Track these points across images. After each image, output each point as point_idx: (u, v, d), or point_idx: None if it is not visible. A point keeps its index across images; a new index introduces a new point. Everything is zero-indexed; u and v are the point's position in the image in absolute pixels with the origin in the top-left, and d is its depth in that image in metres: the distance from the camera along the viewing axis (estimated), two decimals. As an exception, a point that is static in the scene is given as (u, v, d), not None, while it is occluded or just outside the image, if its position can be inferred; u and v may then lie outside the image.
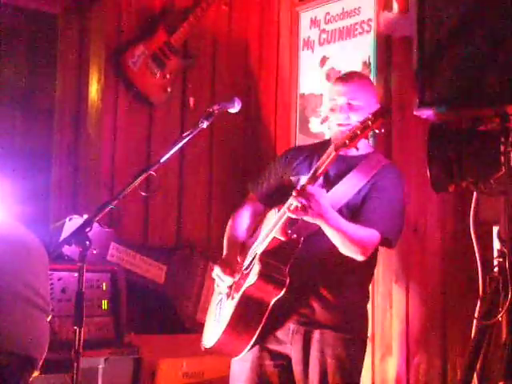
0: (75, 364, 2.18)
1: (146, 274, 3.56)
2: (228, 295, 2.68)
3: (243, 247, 2.77)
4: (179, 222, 3.99)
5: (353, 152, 2.53)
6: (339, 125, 2.67)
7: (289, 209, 2.44)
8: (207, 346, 2.67)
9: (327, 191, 2.59)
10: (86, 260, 2.25)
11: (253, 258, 2.59)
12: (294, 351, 2.63)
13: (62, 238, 3.16)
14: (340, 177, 2.65)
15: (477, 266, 2.69)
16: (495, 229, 2.58)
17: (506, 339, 2.29)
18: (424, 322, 3.30)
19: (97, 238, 3.00)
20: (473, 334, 2.42)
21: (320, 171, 2.42)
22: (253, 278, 2.51)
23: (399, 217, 2.67)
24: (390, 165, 2.76)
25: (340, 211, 2.57)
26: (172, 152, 2.54)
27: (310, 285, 2.60)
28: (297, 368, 2.62)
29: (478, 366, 2.35)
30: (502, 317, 2.29)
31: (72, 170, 3.97)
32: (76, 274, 2.25)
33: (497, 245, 2.47)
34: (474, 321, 2.47)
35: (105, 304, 3.23)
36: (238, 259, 2.74)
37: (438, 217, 3.29)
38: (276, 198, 2.79)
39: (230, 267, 2.70)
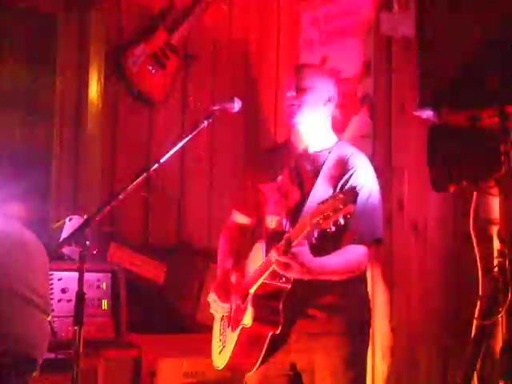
0: (75, 364, 2.18)
1: (146, 274, 3.56)
2: (228, 322, 2.71)
3: (236, 269, 2.78)
4: (179, 221, 3.99)
5: (315, 147, 2.67)
6: (288, 103, 2.67)
7: (275, 262, 2.45)
8: (220, 367, 2.73)
9: (301, 195, 2.59)
10: (86, 260, 2.25)
11: (247, 292, 2.59)
12: (298, 359, 2.63)
13: (61, 238, 3.16)
14: (312, 177, 2.64)
15: (477, 266, 2.69)
16: (495, 229, 2.58)
17: (506, 339, 2.29)
18: (424, 322, 3.30)
19: (97, 238, 3.00)
20: (473, 334, 2.42)
21: (295, 243, 2.39)
22: (248, 321, 2.53)
23: (380, 210, 2.63)
24: (356, 155, 2.69)
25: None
26: (172, 152, 2.54)
27: (309, 295, 2.60)
28: (305, 376, 2.63)
29: (478, 366, 2.35)
30: (501, 317, 2.29)
31: (72, 170, 3.97)
32: (76, 274, 2.25)
33: (497, 245, 2.47)
34: (474, 321, 2.46)
35: (105, 304, 3.23)
36: (233, 279, 2.75)
37: (438, 217, 3.29)
38: (253, 206, 2.83)
39: (225, 294, 2.72)
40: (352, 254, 2.54)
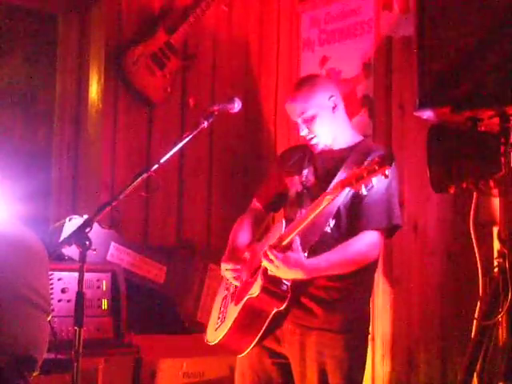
0: (75, 364, 2.18)
1: (146, 274, 3.55)
2: (232, 297, 2.71)
3: (250, 248, 2.78)
4: (179, 222, 3.99)
5: (341, 145, 2.70)
6: (308, 140, 2.75)
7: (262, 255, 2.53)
8: (211, 343, 2.71)
9: (319, 189, 2.60)
10: (86, 260, 2.25)
11: (258, 267, 2.60)
12: (291, 352, 2.65)
13: (61, 238, 3.15)
14: (330, 174, 2.66)
15: (477, 266, 2.69)
16: (495, 229, 2.58)
17: (506, 339, 2.29)
18: (424, 322, 3.30)
19: (97, 238, 3.00)
20: (473, 334, 2.42)
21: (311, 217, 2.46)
22: (256, 290, 2.54)
23: (392, 202, 2.66)
24: (380, 148, 2.75)
25: (338, 213, 2.60)
26: (172, 152, 2.54)
27: (307, 286, 2.61)
28: (296, 369, 2.64)
29: (477, 366, 2.34)
30: (501, 317, 2.28)
31: (72, 170, 3.97)
32: (76, 274, 2.25)
33: (497, 245, 2.47)
34: (474, 321, 2.46)
35: (105, 304, 3.22)
36: (247, 255, 2.75)
37: (438, 217, 3.29)
38: (277, 200, 2.87)
39: (237, 259, 2.73)
40: (360, 243, 2.57)
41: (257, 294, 2.52)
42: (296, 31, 4.09)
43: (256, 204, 2.96)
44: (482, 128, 2.36)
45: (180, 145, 2.56)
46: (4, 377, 2.10)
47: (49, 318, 2.34)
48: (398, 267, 3.41)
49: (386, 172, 2.29)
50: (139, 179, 2.44)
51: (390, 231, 2.67)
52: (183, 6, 4.00)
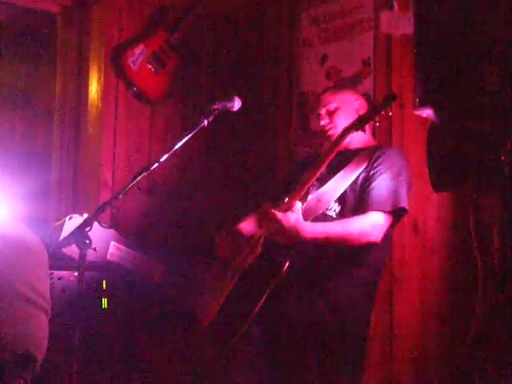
0: (75, 364, 2.18)
1: (146, 273, 3.55)
2: (230, 274, 2.66)
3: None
4: (179, 221, 3.99)
5: (355, 145, 2.73)
6: (324, 130, 2.83)
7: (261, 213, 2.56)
8: (202, 321, 2.68)
9: (327, 180, 2.64)
10: (86, 260, 2.25)
11: (257, 241, 2.59)
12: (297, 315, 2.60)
13: (61, 237, 3.15)
14: (342, 166, 2.70)
15: (477, 266, 2.69)
16: (495, 229, 2.58)
17: (506, 339, 2.29)
18: (424, 322, 3.30)
19: (97, 237, 2.99)
20: (473, 334, 2.42)
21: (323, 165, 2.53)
22: (253, 259, 2.53)
23: (400, 186, 2.69)
24: (393, 148, 2.83)
25: (344, 197, 2.63)
26: (172, 151, 2.54)
27: (310, 278, 2.60)
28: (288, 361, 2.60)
29: (478, 364, 2.35)
30: (501, 316, 2.29)
31: (72, 169, 3.97)
32: (76, 274, 2.25)
33: (497, 245, 2.47)
34: (474, 321, 2.46)
35: (105, 303, 3.23)
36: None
37: (438, 217, 3.29)
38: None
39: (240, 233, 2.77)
40: (362, 220, 2.57)
41: (253, 262, 2.50)
42: (296, 29, 4.09)
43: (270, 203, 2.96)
44: (482, 128, 2.36)
45: (180, 144, 2.56)
46: (4, 375, 2.10)
47: (48, 318, 2.34)
48: (398, 267, 3.41)
49: (390, 113, 2.41)
50: (139, 178, 2.44)
51: (395, 215, 2.66)
52: (183, 5, 4.00)
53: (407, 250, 3.37)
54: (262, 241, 2.53)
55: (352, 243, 2.56)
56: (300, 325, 2.57)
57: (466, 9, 2.31)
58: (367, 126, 2.79)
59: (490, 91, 2.25)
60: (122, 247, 3.47)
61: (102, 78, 3.85)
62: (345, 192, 2.62)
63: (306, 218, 2.50)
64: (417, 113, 2.46)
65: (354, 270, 2.63)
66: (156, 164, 2.47)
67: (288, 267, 2.46)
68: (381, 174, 2.65)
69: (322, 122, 2.83)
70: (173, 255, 3.74)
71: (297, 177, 2.81)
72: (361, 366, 2.64)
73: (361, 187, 2.65)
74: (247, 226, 2.84)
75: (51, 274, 3.00)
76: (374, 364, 3.43)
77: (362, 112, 2.77)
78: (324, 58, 3.90)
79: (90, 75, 3.93)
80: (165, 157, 2.50)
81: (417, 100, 2.35)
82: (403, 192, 2.67)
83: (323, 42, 3.92)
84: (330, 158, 2.54)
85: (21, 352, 2.14)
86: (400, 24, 3.46)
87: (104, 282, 3.24)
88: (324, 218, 2.60)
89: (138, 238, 3.82)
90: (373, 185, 2.63)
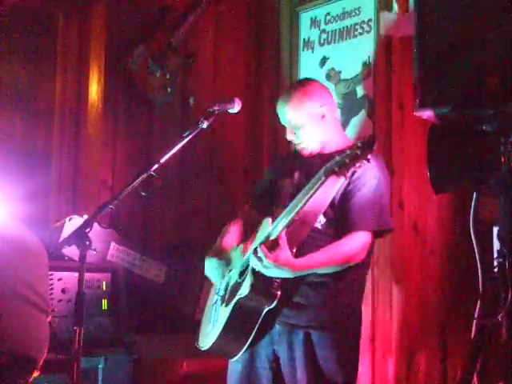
0: (75, 364, 2.18)
1: (146, 274, 3.56)
2: (223, 300, 2.70)
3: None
4: (179, 222, 3.99)
5: (331, 149, 2.70)
6: (294, 144, 2.79)
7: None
8: (203, 348, 2.71)
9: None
10: (86, 260, 2.25)
11: (247, 267, 2.61)
12: (280, 352, 2.65)
13: (61, 238, 3.16)
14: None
15: (477, 266, 2.69)
16: (495, 229, 2.58)
17: (506, 339, 2.29)
18: (424, 322, 3.30)
19: (97, 237, 3.00)
20: (473, 334, 2.42)
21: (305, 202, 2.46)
22: (245, 289, 2.54)
23: (383, 204, 2.66)
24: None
25: (328, 210, 2.61)
26: (172, 152, 2.54)
27: (297, 284, 2.61)
28: (285, 370, 2.64)
29: (477, 366, 2.34)
30: (501, 317, 2.28)
31: (72, 170, 3.97)
32: (76, 274, 2.25)
33: (497, 245, 2.47)
34: (474, 321, 2.46)
35: (105, 304, 3.23)
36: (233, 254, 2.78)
37: (438, 217, 3.29)
38: (269, 202, 2.86)
39: (224, 255, 2.76)
40: (348, 243, 2.57)
41: (247, 292, 2.52)
42: (296, 31, 4.09)
43: (248, 207, 2.98)
44: (482, 128, 2.36)
45: (180, 145, 2.57)
46: (4, 376, 2.10)
47: (49, 318, 2.35)
48: (398, 267, 3.41)
49: (369, 156, 2.31)
50: (139, 179, 2.44)
51: (378, 233, 2.67)
52: (183, 6, 4.00)
53: (407, 250, 3.37)
54: (251, 269, 2.55)
55: (338, 268, 2.59)
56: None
57: (466, 9, 2.31)
58: (337, 124, 2.82)
59: (490, 92, 2.25)
60: (122, 248, 3.48)
61: (102, 78, 3.85)
62: (329, 204, 2.61)
63: (292, 245, 2.52)
64: (417, 114, 2.46)
65: (337, 285, 2.65)
66: (156, 165, 2.47)
67: (280, 296, 2.52)
68: (359, 189, 2.60)
69: (289, 138, 2.78)
70: (173, 256, 3.74)
71: (278, 178, 2.84)
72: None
73: (340, 200, 2.62)
74: (230, 239, 2.85)
75: (51, 274, 3.01)
76: (374, 364, 3.43)
77: (330, 113, 2.74)
78: (324, 60, 3.90)
79: (90, 75, 3.93)
80: (165, 157, 2.50)
81: (417, 101, 2.35)
82: (385, 211, 2.65)
83: (323, 44, 3.92)
84: (310, 197, 2.46)
85: (21, 354, 2.15)
86: (400, 25, 3.46)
87: (104, 282, 3.24)
88: (311, 231, 2.60)
89: (138, 239, 3.82)
90: (353, 201, 2.60)
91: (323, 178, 2.40)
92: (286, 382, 2.64)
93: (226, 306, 2.64)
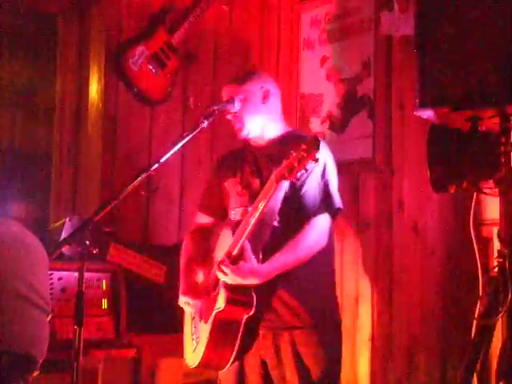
0: (75, 364, 2.18)
1: (146, 273, 3.55)
2: (200, 315, 2.71)
3: (202, 265, 2.81)
4: (180, 221, 3.99)
5: (270, 136, 2.75)
6: (238, 132, 2.79)
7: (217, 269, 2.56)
8: (192, 366, 2.72)
9: (260, 183, 2.65)
10: (86, 260, 2.25)
11: (218, 280, 2.61)
12: (267, 357, 2.66)
13: (61, 237, 3.16)
14: (268, 165, 2.65)
15: (477, 266, 2.69)
16: (495, 229, 2.58)
17: (506, 339, 2.29)
18: (424, 322, 3.30)
19: (96, 238, 3.00)
20: (473, 334, 2.42)
21: (261, 205, 2.46)
22: (221, 303, 2.55)
23: (333, 184, 2.70)
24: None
25: (281, 207, 2.62)
26: (172, 152, 2.54)
27: (269, 289, 2.61)
28: (274, 373, 2.65)
29: (477, 366, 2.34)
30: (501, 317, 2.28)
31: (72, 170, 3.97)
32: (76, 274, 2.26)
33: (497, 245, 2.47)
34: (474, 321, 2.46)
35: (105, 304, 3.23)
36: (200, 277, 2.79)
37: (438, 217, 3.29)
38: (217, 205, 2.91)
39: (194, 292, 2.75)
40: (309, 234, 2.59)
41: (223, 306, 2.53)
42: (296, 31, 4.09)
43: (201, 216, 2.98)
44: (482, 128, 2.36)
45: (180, 144, 2.57)
46: (4, 376, 2.10)
47: (49, 318, 2.34)
48: (397, 267, 3.41)
49: (316, 156, 2.31)
50: (139, 179, 2.44)
51: (334, 214, 2.69)
52: (184, 6, 4.01)
53: (407, 250, 3.37)
54: (223, 282, 2.56)
55: (305, 261, 2.60)
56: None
57: (466, 9, 2.31)
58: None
59: (489, 91, 2.25)
60: (122, 248, 3.47)
61: (103, 78, 3.85)
62: (281, 201, 2.62)
63: (257, 249, 2.54)
64: (417, 114, 2.46)
65: (308, 277, 2.66)
66: (156, 165, 2.47)
67: (256, 302, 2.53)
68: (308, 176, 2.61)
69: (236, 126, 2.79)
70: (173, 255, 3.74)
71: (222, 180, 2.86)
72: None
73: (291, 193, 2.63)
74: (190, 263, 2.87)
75: (51, 274, 3.00)
76: (373, 364, 3.43)
77: (271, 98, 2.78)
78: (324, 60, 3.90)
79: (91, 75, 3.93)
80: (165, 157, 2.51)
81: (417, 101, 2.35)
82: (334, 191, 2.69)
83: (323, 44, 3.92)
84: (264, 206, 2.47)
85: (21, 354, 2.15)
86: (400, 25, 3.46)
87: (104, 282, 3.24)
88: (271, 231, 2.61)
89: (138, 239, 3.82)
90: (303, 190, 2.62)
91: (275, 184, 2.42)
92: None
93: (206, 322, 2.64)
